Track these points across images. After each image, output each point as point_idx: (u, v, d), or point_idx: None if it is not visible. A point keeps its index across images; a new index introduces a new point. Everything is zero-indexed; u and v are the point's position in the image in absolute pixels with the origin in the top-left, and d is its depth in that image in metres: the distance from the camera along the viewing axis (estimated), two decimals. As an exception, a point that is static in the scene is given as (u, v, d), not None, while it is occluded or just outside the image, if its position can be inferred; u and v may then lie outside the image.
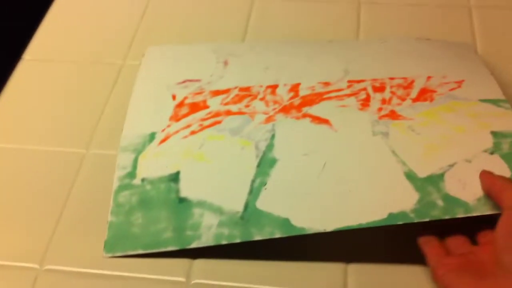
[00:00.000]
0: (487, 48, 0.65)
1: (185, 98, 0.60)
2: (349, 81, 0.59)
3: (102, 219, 0.52)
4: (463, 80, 0.57)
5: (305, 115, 0.56)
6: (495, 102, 0.54)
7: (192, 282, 0.49)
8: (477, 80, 0.58)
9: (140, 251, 0.50)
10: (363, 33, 0.68)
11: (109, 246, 0.51)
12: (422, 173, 0.50)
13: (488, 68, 0.60)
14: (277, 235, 0.48)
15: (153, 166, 0.55)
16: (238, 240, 0.49)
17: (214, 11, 0.72)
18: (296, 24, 0.70)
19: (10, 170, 0.58)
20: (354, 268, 0.49)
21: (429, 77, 0.58)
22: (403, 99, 0.56)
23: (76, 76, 0.66)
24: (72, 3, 0.75)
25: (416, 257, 0.48)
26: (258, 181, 0.52)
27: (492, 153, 0.50)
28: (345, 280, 0.49)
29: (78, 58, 0.68)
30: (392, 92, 0.57)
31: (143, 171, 0.54)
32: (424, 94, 0.56)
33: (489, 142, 0.51)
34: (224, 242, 0.49)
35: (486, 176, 0.48)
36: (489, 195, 0.47)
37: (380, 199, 0.49)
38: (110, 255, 0.50)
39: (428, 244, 0.48)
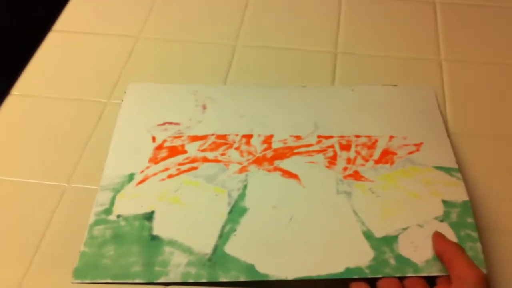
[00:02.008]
0: (455, 99, 0.69)
1: (165, 141, 0.63)
2: (318, 136, 0.64)
3: (78, 251, 0.55)
4: (421, 143, 0.63)
5: (276, 169, 0.60)
6: (448, 170, 0.59)
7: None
8: (435, 144, 0.63)
9: (109, 281, 0.53)
10: (338, 80, 0.72)
11: (79, 273, 0.53)
12: (378, 233, 0.55)
13: (453, 118, 0.67)
14: (242, 279, 0.52)
15: (129, 205, 0.58)
16: (204, 280, 0.52)
17: (198, 55, 0.76)
18: (275, 70, 0.74)
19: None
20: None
21: (391, 137, 0.63)
22: (367, 160, 0.61)
23: (61, 112, 0.68)
24: (62, 41, 0.78)
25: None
26: (228, 227, 0.56)
27: (442, 220, 0.55)
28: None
29: (64, 96, 0.70)
30: (357, 152, 0.62)
31: (119, 209, 0.58)
32: (386, 156, 0.61)
33: (440, 210, 0.56)
34: (190, 280, 0.53)
35: (438, 241, 0.52)
36: (441, 260, 0.51)
37: (339, 254, 0.53)
38: (78, 281, 0.53)
39: None
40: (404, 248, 0.53)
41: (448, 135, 0.64)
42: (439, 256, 0.52)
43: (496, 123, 0.67)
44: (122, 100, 0.68)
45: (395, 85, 0.70)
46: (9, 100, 0.70)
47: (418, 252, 0.53)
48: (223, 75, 0.73)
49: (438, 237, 0.53)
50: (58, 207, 0.59)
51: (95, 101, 0.69)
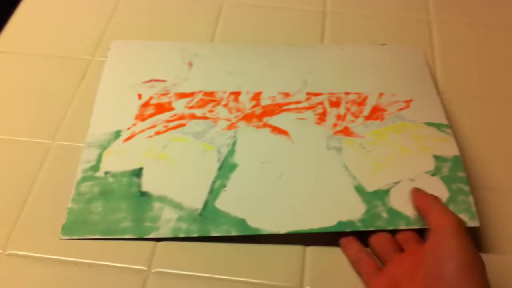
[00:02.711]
0: (444, 59, 0.69)
1: (151, 98, 0.62)
2: (307, 93, 0.63)
3: (65, 208, 0.54)
4: (411, 100, 0.62)
5: (265, 125, 0.60)
6: (438, 126, 0.59)
7: (153, 270, 0.51)
8: (424, 101, 0.62)
9: (98, 237, 0.52)
10: (327, 40, 0.71)
11: (67, 229, 0.53)
12: (370, 187, 0.54)
13: (442, 78, 0.67)
14: (233, 233, 0.52)
15: (117, 161, 0.57)
16: (195, 235, 0.52)
17: (184, 12, 0.74)
18: (263, 29, 0.73)
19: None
20: (312, 250, 0.53)
21: (380, 94, 0.63)
22: (357, 116, 0.60)
23: (45, 69, 0.67)
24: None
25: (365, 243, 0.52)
26: (218, 182, 0.55)
27: (433, 175, 0.55)
28: (304, 260, 0.52)
29: (47, 52, 0.69)
30: (347, 109, 0.61)
31: (106, 165, 0.57)
32: (376, 113, 0.61)
33: (431, 164, 0.56)
34: (181, 235, 0.52)
35: (416, 196, 0.52)
36: (419, 213, 0.51)
37: (331, 208, 0.53)
38: (67, 237, 0.52)
39: (359, 262, 0.51)
40: (396, 201, 0.53)
41: (438, 93, 0.63)
42: (418, 211, 0.51)
43: (485, 83, 0.67)
44: (107, 57, 0.67)
45: (384, 44, 0.69)
46: (-9, 57, 0.69)
47: (410, 205, 0.52)
48: (209, 33, 0.72)
49: (415, 192, 0.52)
50: (43, 164, 0.58)
51: (78, 58, 0.68)
